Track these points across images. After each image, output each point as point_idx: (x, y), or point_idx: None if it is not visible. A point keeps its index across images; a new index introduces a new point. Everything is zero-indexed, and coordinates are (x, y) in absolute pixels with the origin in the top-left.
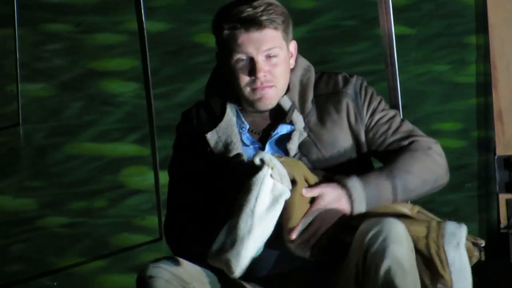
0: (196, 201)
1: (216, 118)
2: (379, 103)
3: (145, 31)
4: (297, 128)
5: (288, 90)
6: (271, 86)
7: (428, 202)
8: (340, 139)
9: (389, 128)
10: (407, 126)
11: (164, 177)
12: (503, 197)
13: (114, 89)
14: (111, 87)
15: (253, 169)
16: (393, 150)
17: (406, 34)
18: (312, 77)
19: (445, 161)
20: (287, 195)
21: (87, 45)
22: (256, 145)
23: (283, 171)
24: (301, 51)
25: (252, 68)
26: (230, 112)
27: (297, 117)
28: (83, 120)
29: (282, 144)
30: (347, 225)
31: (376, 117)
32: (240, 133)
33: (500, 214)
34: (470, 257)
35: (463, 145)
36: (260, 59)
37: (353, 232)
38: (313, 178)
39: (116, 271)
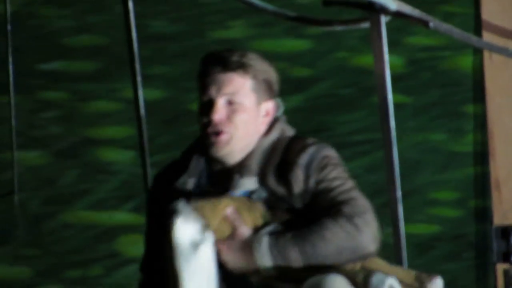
0: (149, 261)
1: (183, 171)
2: (330, 171)
3: (141, 99)
4: (250, 191)
5: (252, 151)
6: (225, 133)
7: (425, 271)
8: (291, 204)
9: (326, 196)
10: (346, 195)
11: None
12: (500, 267)
13: (110, 157)
14: (107, 155)
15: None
16: (320, 214)
17: (403, 103)
18: (284, 141)
19: (371, 230)
20: (207, 240)
21: (82, 112)
22: None
23: (193, 216)
24: (298, 119)
25: (210, 109)
26: (196, 162)
27: (249, 182)
28: (79, 188)
29: None
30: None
31: (322, 185)
32: (200, 191)
33: (497, 284)
34: None
35: (460, 215)
36: (219, 101)
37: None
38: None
39: None
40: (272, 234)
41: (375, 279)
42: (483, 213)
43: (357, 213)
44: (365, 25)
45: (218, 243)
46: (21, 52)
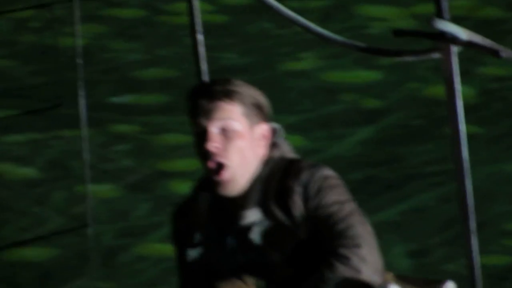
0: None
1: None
2: (326, 195)
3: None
4: (254, 222)
5: (254, 180)
6: (225, 168)
7: None
8: (294, 230)
9: (324, 226)
10: (342, 224)
11: None
12: None
13: (181, 189)
14: (178, 187)
15: None
16: (318, 249)
17: (476, 133)
18: (283, 164)
19: (370, 265)
20: None
21: (154, 145)
22: (219, 239)
23: None
24: (369, 151)
25: (205, 140)
26: (202, 201)
27: (254, 214)
28: (152, 221)
29: (247, 234)
30: None
31: (319, 212)
32: (208, 224)
33: None
34: None
35: None
36: (211, 129)
37: None
38: None
39: None
40: None
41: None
42: None
43: (353, 252)
44: (436, 55)
45: None
46: (92, 86)
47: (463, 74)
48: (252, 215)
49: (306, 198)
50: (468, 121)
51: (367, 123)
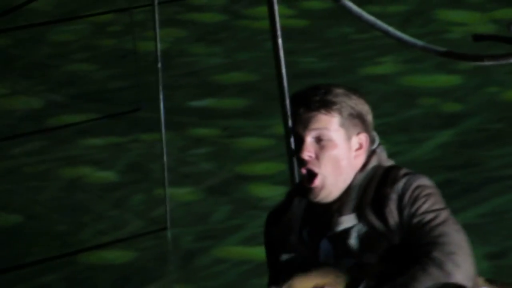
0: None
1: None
2: (422, 204)
3: (291, 135)
4: (350, 227)
5: (349, 187)
6: (317, 176)
7: None
8: (390, 238)
9: (419, 234)
10: (438, 231)
11: None
12: None
13: (261, 193)
14: (258, 191)
15: None
16: (412, 256)
17: None
18: (379, 172)
19: (464, 272)
20: None
21: (233, 149)
22: (313, 244)
23: None
24: (449, 154)
25: (300, 148)
26: (296, 206)
27: (348, 219)
28: (231, 224)
29: (343, 239)
30: None
31: (414, 220)
32: (301, 229)
33: None
34: None
35: None
36: (307, 139)
37: None
38: (327, 281)
39: None
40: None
41: None
42: None
43: (448, 257)
44: None
45: None
46: (172, 90)
47: None
48: (348, 221)
49: (401, 206)
50: None
51: (446, 127)
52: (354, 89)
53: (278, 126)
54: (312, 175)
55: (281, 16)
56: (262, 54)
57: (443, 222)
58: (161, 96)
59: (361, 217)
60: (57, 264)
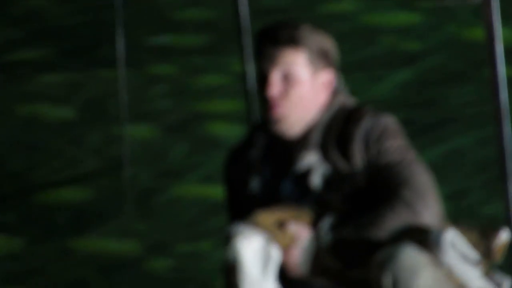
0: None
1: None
2: (389, 142)
3: (249, 73)
4: (313, 165)
5: (314, 125)
6: (282, 108)
7: None
8: (353, 177)
9: (386, 173)
10: (406, 171)
11: None
12: None
13: (219, 131)
14: (216, 129)
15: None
16: (380, 195)
17: None
18: (345, 111)
19: (432, 211)
20: (274, 250)
21: (192, 87)
22: (274, 183)
23: (250, 232)
24: (408, 93)
25: (266, 85)
26: (258, 144)
27: (311, 155)
28: (189, 162)
29: (306, 178)
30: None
31: (381, 159)
32: (263, 167)
33: None
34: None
35: None
36: (273, 75)
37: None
38: (290, 216)
39: None
40: (331, 226)
41: (434, 233)
42: None
43: (416, 196)
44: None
45: (284, 252)
46: (131, 27)
47: (504, 17)
48: (311, 157)
49: (367, 145)
50: (508, 63)
51: (406, 65)
52: (317, 27)
53: (237, 64)
54: (276, 108)
55: None
56: None
57: (410, 163)
58: (119, 33)
59: (325, 156)
60: (12, 202)
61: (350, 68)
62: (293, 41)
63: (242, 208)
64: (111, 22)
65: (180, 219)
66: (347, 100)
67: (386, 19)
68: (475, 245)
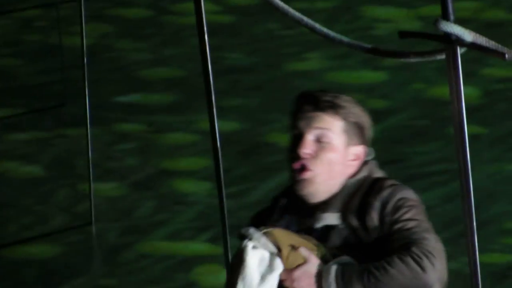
0: None
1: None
2: (405, 213)
3: (217, 130)
4: (331, 225)
5: (337, 192)
6: (310, 170)
7: None
8: (369, 241)
9: (399, 235)
10: (419, 235)
11: None
12: None
13: (186, 188)
14: (183, 186)
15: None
16: (391, 251)
17: (479, 134)
18: (368, 181)
19: (437, 273)
20: (278, 264)
21: (159, 144)
22: None
23: (264, 240)
24: (374, 150)
25: (299, 144)
26: (280, 206)
27: (331, 217)
28: (155, 219)
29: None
30: None
31: (396, 226)
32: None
33: None
34: None
35: None
36: (308, 136)
37: None
38: (304, 244)
39: None
40: (340, 265)
41: None
42: None
43: (426, 255)
44: (441, 56)
45: (286, 271)
46: (98, 85)
47: (467, 75)
48: (330, 219)
49: (383, 214)
50: (471, 121)
51: (372, 123)
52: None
53: (203, 121)
54: (304, 168)
55: (207, 11)
56: (188, 50)
57: (424, 230)
58: (86, 91)
59: (344, 219)
60: None
61: None
62: (332, 108)
63: None
64: (78, 81)
65: (147, 275)
66: (373, 172)
67: (352, 77)
68: None
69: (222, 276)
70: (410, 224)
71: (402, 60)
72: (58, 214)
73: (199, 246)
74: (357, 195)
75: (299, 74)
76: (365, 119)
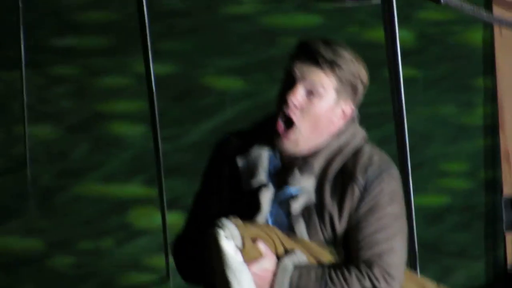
0: (200, 222)
1: (249, 147)
2: (385, 204)
3: (152, 74)
4: (304, 190)
5: (319, 151)
6: (294, 128)
7: (436, 241)
8: (335, 218)
9: (365, 238)
10: (384, 246)
11: (171, 218)
12: (510, 236)
13: (121, 131)
14: (118, 129)
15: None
16: (350, 260)
17: (414, 77)
18: (352, 147)
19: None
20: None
21: (94, 87)
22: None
23: (236, 233)
24: None
25: (290, 91)
26: (262, 146)
27: (307, 180)
28: (91, 162)
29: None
30: None
31: (368, 219)
32: (270, 168)
33: (506, 253)
34: None
35: (470, 186)
36: (300, 86)
37: None
38: (271, 244)
39: None
40: (297, 268)
41: None
42: (493, 184)
43: (385, 278)
44: (377, 1)
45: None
46: (33, 28)
47: (402, 18)
48: (306, 183)
49: (363, 195)
50: (406, 64)
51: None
52: (359, 57)
53: (139, 64)
54: (289, 123)
55: None
56: None
57: (392, 237)
58: (21, 35)
59: (318, 187)
60: None
61: (251, 69)
62: (330, 66)
63: (211, 206)
64: (14, 24)
65: (82, 217)
66: (357, 134)
67: (286, 21)
68: None
69: (156, 217)
70: (382, 222)
71: (338, 4)
72: None
73: (134, 189)
74: (338, 160)
75: (235, 17)
76: (361, 78)
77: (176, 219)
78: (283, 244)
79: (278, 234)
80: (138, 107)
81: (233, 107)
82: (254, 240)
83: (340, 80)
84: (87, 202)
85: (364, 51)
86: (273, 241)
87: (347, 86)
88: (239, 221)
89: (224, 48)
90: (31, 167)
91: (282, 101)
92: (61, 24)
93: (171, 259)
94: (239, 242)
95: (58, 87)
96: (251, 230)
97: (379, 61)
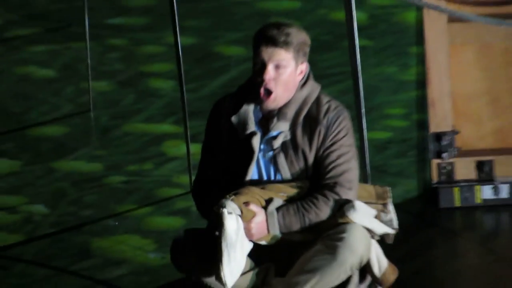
0: (209, 167)
1: (239, 106)
2: (342, 137)
3: (179, 43)
4: (283, 132)
5: (289, 102)
6: (270, 93)
7: (382, 165)
8: (306, 151)
9: (331, 160)
10: (344, 166)
11: (193, 148)
12: (434, 162)
13: (157, 85)
14: (155, 83)
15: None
16: (319, 184)
17: (366, 46)
18: (312, 98)
19: (351, 197)
20: (241, 222)
21: (138, 54)
22: (259, 133)
23: (234, 205)
24: None
25: (263, 71)
26: (248, 104)
27: (283, 125)
28: (135, 108)
29: (271, 139)
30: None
31: (332, 147)
32: (255, 120)
33: (432, 174)
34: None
35: (407, 125)
36: (269, 66)
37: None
38: (257, 202)
39: (159, 215)
40: (279, 209)
41: (348, 205)
42: (423, 123)
43: (345, 192)
44: None
45: (245, 223)
46: (94, 10)
47: (358, 3)
48: (282, 126)
49: (327, 133)
50: (361, 37)
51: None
52: (300, 26)
53: (169, 37)
54: (269, 92)
55: None
56: None
57: (349, 159)
58: (86, 15)
59: (292, 127)
60: (11, 135)
61: (249, 40)
62: (286, 45)
63: (214, 156)
64: (80, 7)
65: (129, 147)
66: (315, 86)
67: (275, 5)
68: (376, 199)
69: (183, 148)
70: (342, 150)
71: None
72: (66, 104)
73: (166, 127)
74: (305, 107)
75: (238, 3)
76: (307, 42)
77: (196, 149)
78: (262, 197)
79: (257, 191)
80: (169, 67)
81: (237, 68)
82: (247, 204)
83: (294, 50)
84: (133, 137)
85: (330, 28)
86: (257, 199)
87: (300, 52)
88: (233, 196)
89: (230, 25)
90: (93, 111)
91: (260, 80)
92: (114, 7)
93: (193, 177)
94: (238, 211)
95: (112, 53)
96: (242, 198)
97: (341, 34)
